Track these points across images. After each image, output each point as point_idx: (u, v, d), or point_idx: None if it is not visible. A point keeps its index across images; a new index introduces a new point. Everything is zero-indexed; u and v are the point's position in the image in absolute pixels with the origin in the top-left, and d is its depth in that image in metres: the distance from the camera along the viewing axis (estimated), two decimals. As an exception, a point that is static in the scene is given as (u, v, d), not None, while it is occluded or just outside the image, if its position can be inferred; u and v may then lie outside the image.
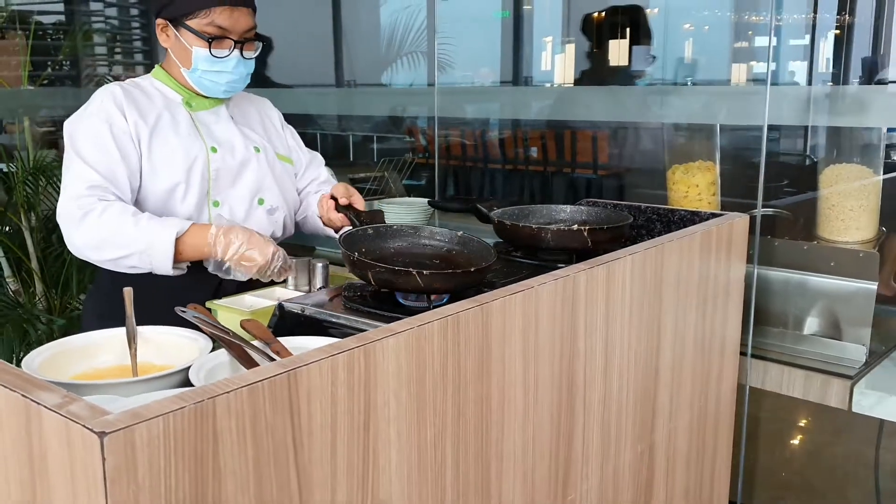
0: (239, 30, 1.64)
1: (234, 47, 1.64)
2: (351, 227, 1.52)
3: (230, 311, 1.46)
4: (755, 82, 2.49)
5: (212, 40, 1.62)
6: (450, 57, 3.44)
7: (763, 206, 1.83)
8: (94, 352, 1.27)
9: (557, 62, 8.49)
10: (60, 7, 4.58)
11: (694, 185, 1.95)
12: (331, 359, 0.83)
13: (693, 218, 1.72)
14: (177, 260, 1.55)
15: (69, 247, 1.60)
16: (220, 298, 1.54)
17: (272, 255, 1.53)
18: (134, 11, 5.72)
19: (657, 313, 1.43)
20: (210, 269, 1.58)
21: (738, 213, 1.71)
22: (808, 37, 2.83)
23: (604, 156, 6.01)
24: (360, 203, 1.67)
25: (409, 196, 3.07)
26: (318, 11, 6.95)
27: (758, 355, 1.81)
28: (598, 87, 2.85)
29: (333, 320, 1.25)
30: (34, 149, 3.05)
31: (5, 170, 3.03)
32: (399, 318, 1.21)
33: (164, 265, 1.54)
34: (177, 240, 1.53)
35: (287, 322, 1.32)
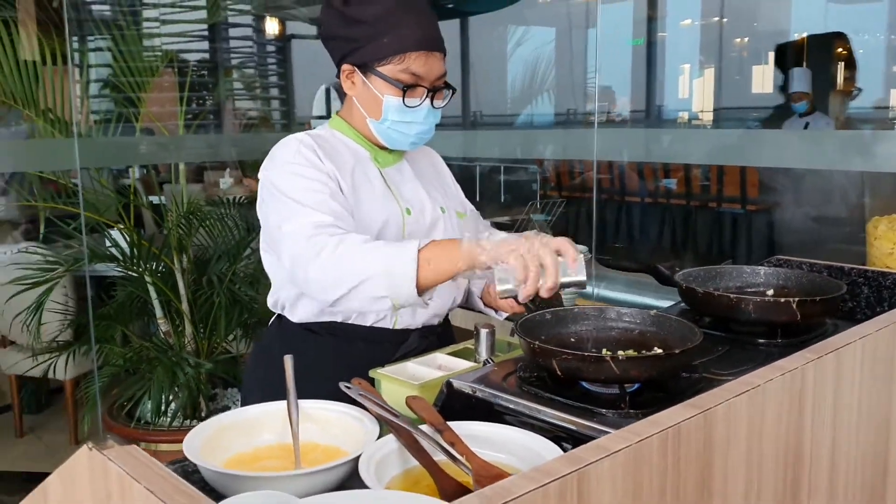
0: (432, 77, 1.50)
1: (426, 95, 1.50)
2: (524, 313, 1.36)
3: (395, 383, 1.35)
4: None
5: (406, 88, 1.48)
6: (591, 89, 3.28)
7: None
8: (255, 429, 1.19)
9: (696, 88, 8.11)
10: (205, 45, 4.68)
11: (902, 241, 1.70)
12: (542, 489, 0.69)
13: (912, 282, 1.49)
14: (420, 279, 1.33)
15: (305, 290, 1.47)
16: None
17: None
18: (270, 48, 5.84)
19: (887, 401, 1.22)
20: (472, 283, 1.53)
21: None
22: None
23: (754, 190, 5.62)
24: None
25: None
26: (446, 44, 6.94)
27: None
28: (795, 132, 2.62)
29: (510, 406, 1.12)
30: (187, 191, 3.10)
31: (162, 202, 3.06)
32: (587, 409, 1.07)
33: (406, 286, 1.33)
34: (420, 252, 1.33)
35: (455, 402, 1.19)
